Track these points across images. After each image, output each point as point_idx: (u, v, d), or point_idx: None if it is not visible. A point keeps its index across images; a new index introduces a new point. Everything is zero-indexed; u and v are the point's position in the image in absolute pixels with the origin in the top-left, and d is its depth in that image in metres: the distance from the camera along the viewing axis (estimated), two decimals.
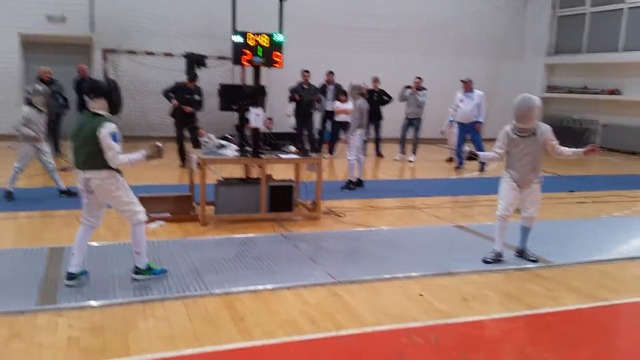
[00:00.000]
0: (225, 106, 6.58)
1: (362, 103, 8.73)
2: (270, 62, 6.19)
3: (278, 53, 6.20)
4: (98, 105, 4.06)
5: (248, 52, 6.04)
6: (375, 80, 12.82)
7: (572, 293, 4.53)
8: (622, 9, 15.88)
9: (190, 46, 13.96)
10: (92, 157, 4.01)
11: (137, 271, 4.39)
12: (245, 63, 6.08)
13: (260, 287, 4.34)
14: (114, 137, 3.98)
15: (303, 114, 12.40)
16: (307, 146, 12.37)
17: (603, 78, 16.37)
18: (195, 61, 13.68)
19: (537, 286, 4.64)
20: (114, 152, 3.98)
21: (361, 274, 4.72)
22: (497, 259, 5.19)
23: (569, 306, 4.23)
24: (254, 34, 6.04)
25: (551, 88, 18.23)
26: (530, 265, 5.17)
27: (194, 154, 6.52)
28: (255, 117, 6.18)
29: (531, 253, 5.33)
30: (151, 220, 6.26)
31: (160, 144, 4.18)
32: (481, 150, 11.16)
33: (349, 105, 12.61)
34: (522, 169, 5.07)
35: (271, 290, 4.32)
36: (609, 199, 8.59)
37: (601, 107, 16.47)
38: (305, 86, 12.39)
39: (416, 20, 16.29)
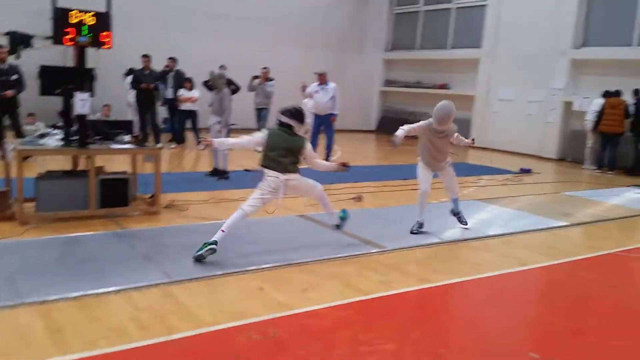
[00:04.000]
0: (46, 90, 5.90)
1: (228, 92, 8.72)
2: (98, 43, 5.66)
3: (107, 33, 5.69)
4: (300, 130, 5.10)
5: (71, 30, 5.46)
6: (223, 68, 12.51)
7: (403, 276, 4.76)
8: (450, 8, 17.31)
9: (19, 24, 12.41)
10: (294, 164, 5.02)
11: (338, 225, 5.52)
12: (68, 43, 5.48)
13: (83, 292, 3.92)
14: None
15: (145, 101, 11.68)
16: (151, 135, 11.80)
17: (434, 73, 17.77)
18: (19, 40, 12.21)
19: (371, 271, 4.81)
20: (317, 161, 5.28)
21: (199, 271, 4.51)
22: (420, 228, 6.08)
23: (400, 289, 4.42)
24: (78, 11, 5.46)
25: (389, 82, 19.36)
26: (366, 251, 5.37)
27: (10, 144, 5.76)
28: (81, 103, 5.61)
29: (464, 217, 6.44)
30: None
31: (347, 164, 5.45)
32: (331, 142, 11.49)
33: (194, 93, 12.21)
34: (435, 159, 6.06)
35: (96, 295, 3.92)
36: (438, 185, 9.22)
37: (433, 101, 17.44)
38: (146, 72, 11.68)
39: (266, 10, 16.30)
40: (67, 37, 5.46)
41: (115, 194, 6.10)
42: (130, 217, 6.13)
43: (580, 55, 13.66)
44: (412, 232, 6.04)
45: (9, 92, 8.86)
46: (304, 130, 5.24)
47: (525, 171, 11.57)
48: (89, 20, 5.53)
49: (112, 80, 13.66)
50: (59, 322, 3.46)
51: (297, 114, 5.04)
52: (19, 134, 8.93)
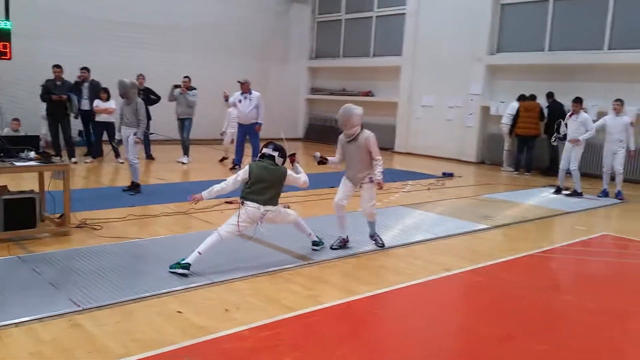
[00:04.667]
0: None
1: (141, 102, 8.39)
2: None
3: (5, 43, 5.26)
4: (280, 161, 5.23)
5: None
6: (141, 77, 12.05)
7: (330, 289, 4.66)
8: (371, 17, 17.57)
9: None
10: (275, 197, 5.13)
11: (316, 243, 5.69)
12: None
13: None
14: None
15: (57, 114, 11.02)
16: (64, 149, 11.14)
17: (358, 81, 17.95)
18: None
19: (297, 286, 4.68)
20: (298, 178, 5.37)
21: (112, 297, 4.20)
22: (343, 244, 5.84)
23: (326, 304, 4.31)
24: None
25: (315, 90, 19.41)
26: (293, 264, 5.23)
27: None
28: None
29: (380, 238, 6.00)
30: None
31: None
32: (257, 152, 11.25)
33: (111, 104, 11.64)
34: (351, 170, 5.78)
35: None
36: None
37: None
38: (58, 82, 11.02)
39: (187, 19, 15.93)
40: None
41: (21, 215, 5.64)
42: (38, 240, 5.69)
43: (495, 61, 14.21)
44: (332, 248, 5.75)
45: None
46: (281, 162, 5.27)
47: (448, 175, 11.86)
48: None
49: (23, 93, 12.85)
50: None
51: (280, 147, 5.27)
52: None
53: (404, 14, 16.34)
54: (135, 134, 8.30)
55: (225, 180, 5.17)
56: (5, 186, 5.93)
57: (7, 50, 5.10)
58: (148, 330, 3.69)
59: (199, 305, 4.17)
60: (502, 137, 13.50)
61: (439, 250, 6.07)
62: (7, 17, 5.25)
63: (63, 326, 3.68)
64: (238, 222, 4.93)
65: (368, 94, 17.58)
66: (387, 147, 16.93)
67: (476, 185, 11.22)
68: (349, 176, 5.83)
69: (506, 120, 13.04)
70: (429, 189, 10.27)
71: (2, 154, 5.74)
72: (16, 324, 3.65)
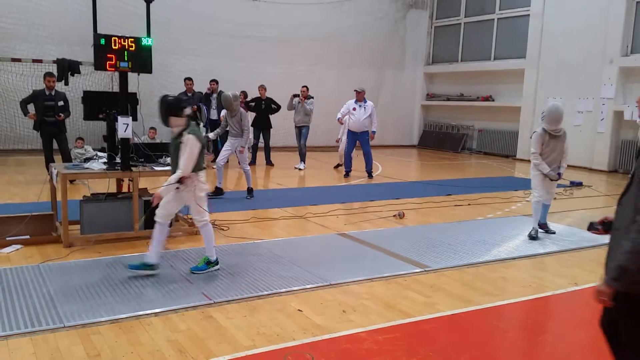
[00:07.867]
0: (89, 115, 6.06)
1: (244, 112, 8.72)
2: (138, 68, 5.77)
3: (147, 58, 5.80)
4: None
5: (113, 56, 5.58)
6: (262, 88, 12.67)
7: (448, 298, 4.58)
8: (493, 19, 17.01)
9: (63, 52, 12.95)
10: None
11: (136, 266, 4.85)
12: (109, 69, 5.60)
13: (123, 315, 3.94)
14: None
15: None
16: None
17: (477, 85, 17.43)
18: (67, 67, 12.71)
19: (414, 293, 4.65)
20: None
21: (239, 292, 4.47)
22: (536, 235, 6.60)
23: (444, 312, 4.25)
24: (119, 37, 5.59)
25: (430, 96, 19.14)
26: (409, 271, 5.21)
27: (55, 168, 5.92)
28: (123, 127, 5.72)
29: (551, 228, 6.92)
30: (5, 244, 5.60)
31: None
32: (370, 158, 11.40)
33: None
34: (552, 164, 6.45)
35: (136, 318, 3.93)
36: (484, 201, 9.01)
37: (476, 114, 17.52)
38: (188, 94, 11.94)
39: (302, 30, 16.43)
40: (109, 62, 5.56)
41: None
42: (173, 238, 6.17)
43: (629, 62, 13.12)
44: (530, 237, 6.52)
45: (62, 116, 9.15)
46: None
47: (576, 184, 11.13)
48: (130, 46, 5.63)
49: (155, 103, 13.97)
50: (98, 347, 3.47)
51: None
52: (67, 157, 9.19)
53: (527, 15, 15.65)
54: (241, 145, 8.65)
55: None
56: (146, 188, 6.52)
57: (149, 65, 5.60)
58: (272, 325, 3.88)
59: (317, 305, 4.31)
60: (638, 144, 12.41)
61: (567, 263, 5.73)
62: (148, 35, 5.79)
63: (196, 318, 3.98)
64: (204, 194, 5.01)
65: (488, 98, 17.02)
66: (508, 154, 16.30)
67: (607, 196, 10.40)
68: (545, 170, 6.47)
69: None
70: (555, 198, 9.68)
71: (143, 159, 6.32)
72: (156, 313, 4.01)
